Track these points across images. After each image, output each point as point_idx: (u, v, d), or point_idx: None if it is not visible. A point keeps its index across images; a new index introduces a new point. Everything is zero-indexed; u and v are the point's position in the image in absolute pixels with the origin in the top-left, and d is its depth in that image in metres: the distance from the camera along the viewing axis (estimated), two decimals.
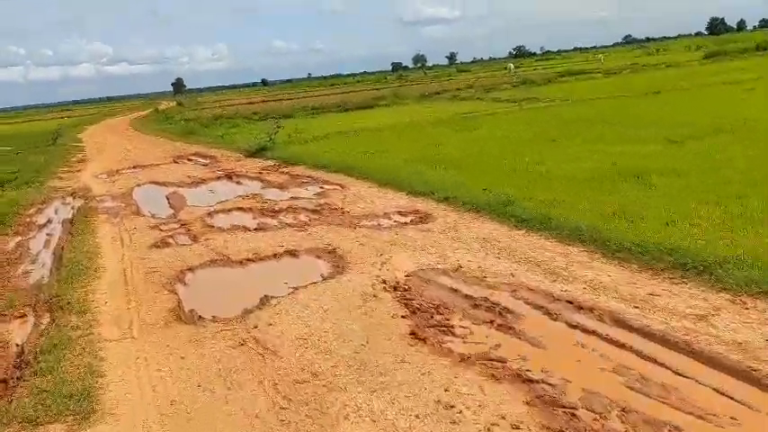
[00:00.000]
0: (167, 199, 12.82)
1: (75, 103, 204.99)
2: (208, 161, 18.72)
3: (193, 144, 24.16)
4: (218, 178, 14.95)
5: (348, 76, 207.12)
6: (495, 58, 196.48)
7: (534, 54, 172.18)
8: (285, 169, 15.05)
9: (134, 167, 18.63)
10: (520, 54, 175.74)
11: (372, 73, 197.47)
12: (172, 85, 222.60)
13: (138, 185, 15.00)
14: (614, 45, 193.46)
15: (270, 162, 16.65)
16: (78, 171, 18.61)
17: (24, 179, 16.61)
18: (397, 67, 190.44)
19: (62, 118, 77.09)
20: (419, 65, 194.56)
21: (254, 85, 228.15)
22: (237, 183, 14.05)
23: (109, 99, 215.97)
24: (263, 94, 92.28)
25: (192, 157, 20.08)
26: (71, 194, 14.32)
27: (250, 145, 19.73)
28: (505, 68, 70.74)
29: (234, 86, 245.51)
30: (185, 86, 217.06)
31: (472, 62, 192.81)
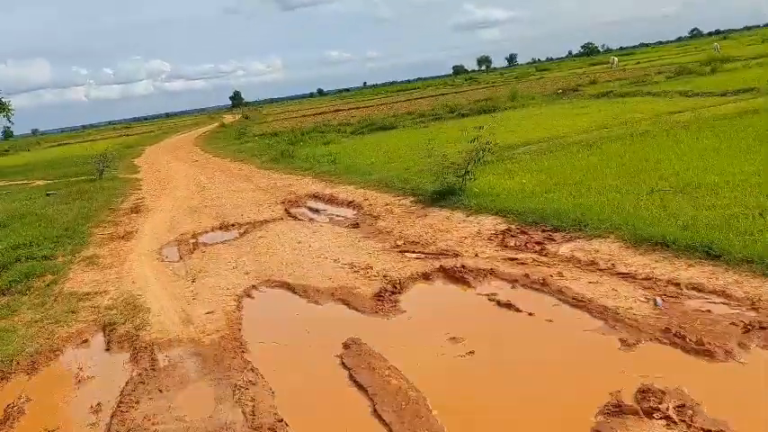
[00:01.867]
0: (344, 365, 4.63)
1: (135, 120, 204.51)
2: (352, 214, 10.47)
3: (292, 173, 16.14)
4: (427, 278, 6.57)
5: (404, 82, 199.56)
6: (552, 59, 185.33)
7: (599, 52, 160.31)
8: (540, 242, 6.65)
9: (223, 228, 10.57)
10: (590, 51, 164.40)
11: (429, 78, 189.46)
12: (230, 98, 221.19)
13: (249, 294, 6.83)
14: (679, 39, 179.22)
15: (489, 221, 8.27)
16: (126, 239, 10.59)
17: (24, 269, 8.65)
18: (459, 70, 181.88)
19: (120, 136, 71.77)
20: (483, 67, 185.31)
21: (311, 95, 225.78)
22: (496, 303, 5.62)
23: (167, 115, 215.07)
24: (327, 103, 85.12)
25: (313, 203, 11.92)
26: (103, 328, 6.21)
27: (414, 181, 11.47)
28: (609, 63, 62.50)
29: (290, 98, 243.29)
30: (243, 99, 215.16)
31: (533, 63, 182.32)
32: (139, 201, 14.90)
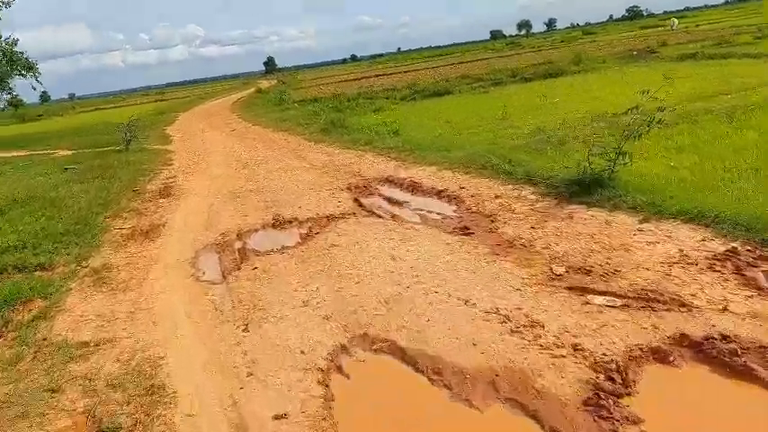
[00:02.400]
0: None
1: (170, 85, 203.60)
2: (452, 211, 7.63)
3: (350, 147, 13.48)
4: (664, 358, 3.70)
5: (439, 47, 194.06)
6: (591, 23, 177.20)
7: (643, 15, 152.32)
8: None
9: (277, 225, 7.87)
10: (635, 15, 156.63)
11: (464, 44, 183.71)
12: (264, 64, 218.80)
13: (341, 368, 4.11)
14: (726, 3, 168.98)
15: (684, 233, 5.37)
16: (151, 238, 7.97)
17: (6, 288, 6.06)
18: (497, 35, 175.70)
19: (155, 101, 69.74)
20: (523, 31, 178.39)
21: (344, 61, 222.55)
22: None
23: (203, 81, 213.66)
24: (363, 69, 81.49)
25: (389, 191, 9.12)
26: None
27: (522, 162, 8.66)
28: (670, 26, 58.62)
29: (323, 63, 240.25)
30: (276, 65, 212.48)
31: (573, 27, 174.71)
32: (170, 180, 12.29)
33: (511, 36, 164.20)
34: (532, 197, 7.63)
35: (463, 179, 9.13)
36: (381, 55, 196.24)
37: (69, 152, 20.16)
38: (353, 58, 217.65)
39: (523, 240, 6.13)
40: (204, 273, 6.41)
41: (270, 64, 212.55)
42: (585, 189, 7.29)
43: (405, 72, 46.87)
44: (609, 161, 7.32)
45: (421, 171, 10.05)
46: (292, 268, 6.12)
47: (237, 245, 7.24)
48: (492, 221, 6.94)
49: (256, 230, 7.80)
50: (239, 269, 6.31)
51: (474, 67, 39.59)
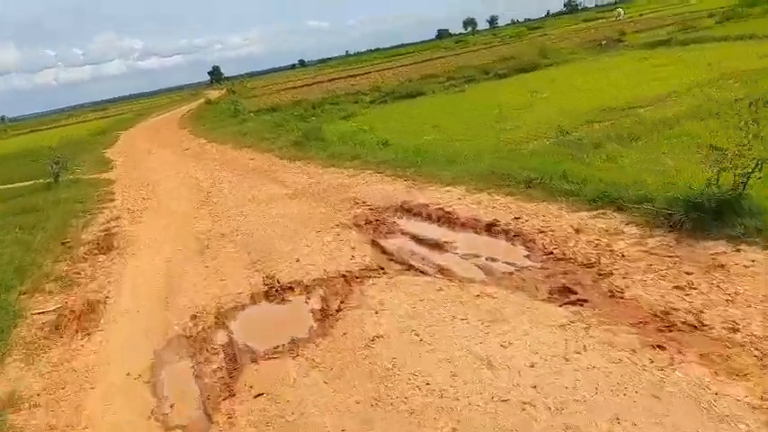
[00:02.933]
0: None
1: (109, 101, 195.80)
2: (522, 255, 5.30)
3: (335, 164, 11.21)
4: None
5: (388, 48, 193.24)
6: (531, 19, 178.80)
7: (579, 9, 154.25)
8: None
9: (273, 296, 5.42)
10: (572, 9, 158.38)
11: (413, 44, 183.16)
12: (209, 73, 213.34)
13: None
14: None
15: None
16: (85, 328, 5.40)
17: None
18: (443, 34, 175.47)
19: (96, 119, 65.50)
20: (469, 29, 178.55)
21: (293, 66, 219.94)
22: None
23: (145, 95, 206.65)
24: (313, 74, 78.74)
25: (414, 225, 6.77)
26: None
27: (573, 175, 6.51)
28: (616, 17, 59.17)
29: (272, 70, 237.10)
30: (223, 74, 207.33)
31: (515, 24, 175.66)
32: (112, 224, 9.60)
33: (459, 34, 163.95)
34: (633, 231, 5.40)
35: (508, 203, 6.86)
36: (330, 59, 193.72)
37: None
38: (302, 63, 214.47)
39: (681, 314, 3.87)
40: (172, 407, 3.92)
41: (215, 73, 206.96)
42: (712, 216, 5.10)
43: (363, 74, 44.56)
44: (740, 175, 5.14)
45: (443, 193, 7.76)
46: (324, 396, 3.69)
47: (220, 338, 4.77)
48: (599, 275, 4.67)
49: (243, 307, 5.33)
50: (233, 397, 3.85)
51: (435, 65, 37.59)
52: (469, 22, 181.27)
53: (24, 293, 6.46)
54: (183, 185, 12.16)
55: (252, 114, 26.18)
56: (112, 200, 11.80)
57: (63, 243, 8.65)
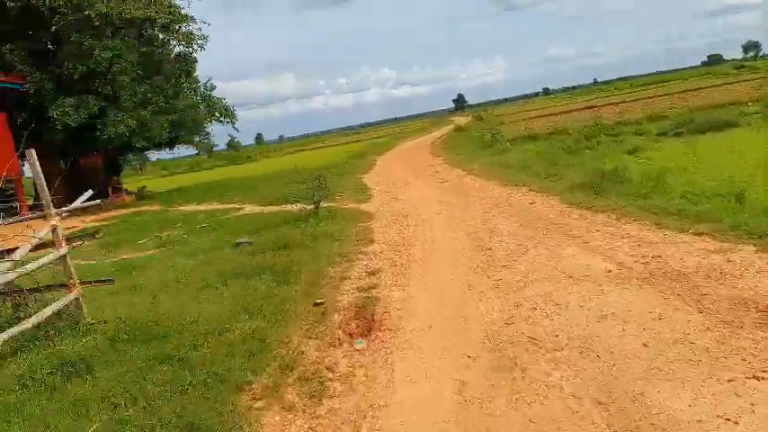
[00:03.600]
0: None
1: (365, 125, 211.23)
2: None
3: (667, 224, 7.98)
4: None
5: (641, 76, 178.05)
6: None
7: None
8: None
9: None
10: None
11: (670, 71, 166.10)
12: (453, 101, 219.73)
13: None
14: None
15: None
16: None
17: None
18: (715, 60, 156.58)
19: (350, 143, 69.42)
20: (750, 54, 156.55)
21: (536, 94, 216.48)
22: None
23: (395, 120, 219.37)
24: (559, 101, 74.20)
25: None
26: None
27: None
28: None
29: (514, 98, 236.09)
30: (466, 102, 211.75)
31: None
32: (372, 279, 7.69)
33: (737, 60, 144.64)
34: None
35: None
36: (576, 87, 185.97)
37: (256, 209, 16.99)
38: (545, 91, 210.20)
39: None
40: None
41: (460, 101, 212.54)
42: None
43: (619, 103, 39.79)
44: None
45: None
46: None
47: None
48: None
49: None
50: None
51: (730, 91, 31.61)
52: (751, 47, 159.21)
53: (257, 399, 4.55)
54: (450, 231, 9.98)
55: (508, 144, 23.82)
56: (372, 241, 10.05)
57: (316, 304, 6.87)
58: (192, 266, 9.58)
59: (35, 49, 21.32)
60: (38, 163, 6.63)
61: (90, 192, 7.44)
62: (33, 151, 6.58)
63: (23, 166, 29.07)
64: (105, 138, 21.11)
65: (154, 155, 31.01)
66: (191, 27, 24.30)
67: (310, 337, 5.93)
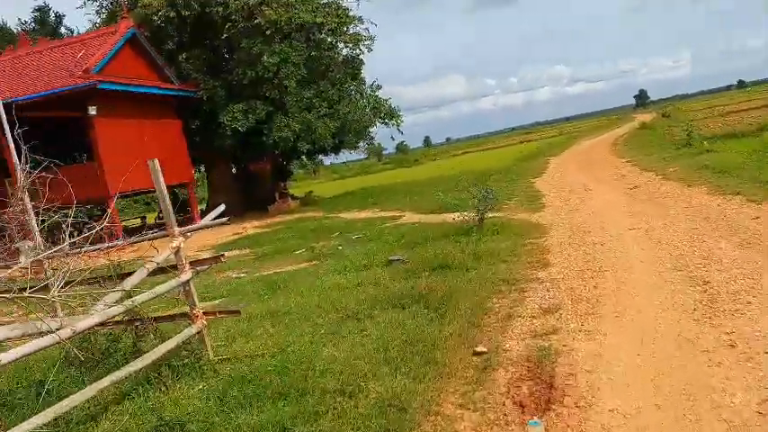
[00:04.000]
0: None
1: (536, 124, 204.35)
2: None
3: None
4: None
5: None
6: None
7: None
8: None
9: None
10: None
11: None
12: (634, 97, 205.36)
13: None
14: None
15: None
16: None
17: None
18: None
19: (521, 143, 66.59)
20: None
21: (728, 88, 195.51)
22: None
23: (569, 118, 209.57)
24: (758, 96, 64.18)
25: None
26: None
27: None
28: None
29: (700, 93, 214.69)
30: (648, 97, 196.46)
31: None
32: (548, 321, 5.96)
33: None
34: None
35: None
36: None
37: (416, 217, 15.83)
38: (741, 83, 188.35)
39: None
40: None
41: (641, 96, 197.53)
42: None
43: None
44: None
45: None
46: None
47: None
48: None
49: None
50: None
51: None
52: None
53: None
54: (649, 253, 7.87)
55: (706, 143, 20.25)
56: (546, 263, 8.25)
57: (476, 353, 5.33)
58: (339, 285, 8.51)
59: (209, 57, 22.16)
60: (161, 174, 5.85)
61: (222, 207, 6.59)
62: (156, 161, 5.83)
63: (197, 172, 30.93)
64: (271, 142, 21.33)
65: (326, 159, 31.41)
66: (358, 28, 23.95)
67: (467, 407, 4.41)
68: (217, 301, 9.30)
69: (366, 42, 23.65)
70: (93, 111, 17.16)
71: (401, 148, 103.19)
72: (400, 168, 58.33)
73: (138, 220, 27.87)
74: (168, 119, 21.16)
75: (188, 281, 5.85)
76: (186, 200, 22.66)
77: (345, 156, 29.63)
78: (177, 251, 5.83)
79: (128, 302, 4.99)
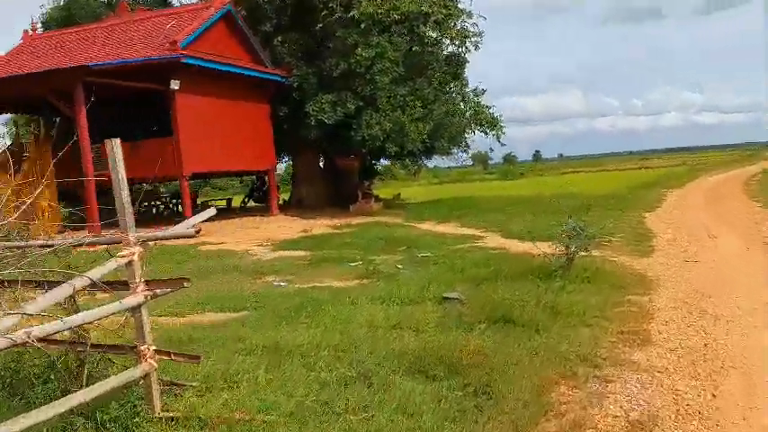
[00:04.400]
0: None
1: (653, 151, 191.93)
2: None
3: None
4: None
5: None
6: None
7: None
8: None
9: None
10: None
11: None
12: None
13: None
14: None
15: None
16: None
17: None
18: None
19: (638, 168, 61.85)
20: None
21: None
22: None
23: (692, 149, 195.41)
24: None
25: None
26: None
27: None
28: None
29: None
30: None
31: None
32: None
33: None
34: None
35: None
36: None
37: (498, 240, 13.82)
38: None
39: None
40: None
41: None
42: None
43: None
44: None
45: None
46: None
47: None
48: None
49: None
50: None
51: None
52: None
53: None
54: None
55: None
56: (646, 340, 6.11)
57: None
58: (373, 322, 6.80)
59: (306, 43, 21.03)
60: (120, 161, 4.38)
61: (212, 211, 5.08)
62: (117, 142, 4.38)
63: (281, 162, 30.13)
64: (359, 139, 19.90)
65: (429, 162, 29.57)
66: (466, 23, 22.02)
67: None
68: (236, 315, 7.88)
69: (473, 39, 21.68)
70: (175, 85, 16.44)
71: (508, 159, 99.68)
72: (503, 180, 55.65)
73: (224, 202, 27.49)
74: (255, 102, 20.27)
75: (139, 306, 4.35)
76: (268, 189, 21.81)
77: (447, 161, 27.64)
78: (130, 264, 4.34)
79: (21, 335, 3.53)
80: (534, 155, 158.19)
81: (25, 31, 20.01)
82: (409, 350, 5.65)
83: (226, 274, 10.74)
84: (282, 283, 9.76)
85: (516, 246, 12.42)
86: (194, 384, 4.93)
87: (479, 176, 66.94)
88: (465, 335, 6.05)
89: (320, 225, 17.94)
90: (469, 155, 29.16)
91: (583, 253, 9.36)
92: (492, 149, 29.56)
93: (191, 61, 16.58)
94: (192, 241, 15.53)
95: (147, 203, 23.47)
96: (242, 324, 7.19)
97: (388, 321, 6.81)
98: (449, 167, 64.39)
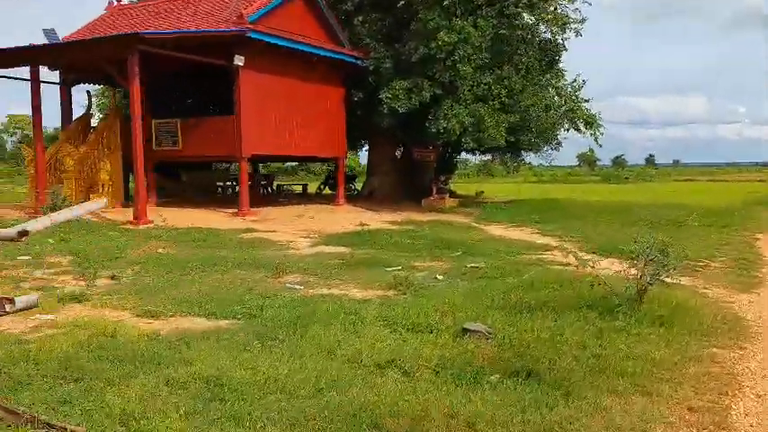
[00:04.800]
0: None
1: None
2: None
3: None
4: None
5: None
6: None
7: None
8: None
9: None
10: None
11: None
12: None
13: None
14: None
15: None
16: None
17: None
18: None
19: (759, 180, 55.80)
20: None
21: None
22: None
23: None
24: None
25: None
26: None
27: None
28: None
29: None
30: None
31: None
32: None
33: None
34: None
35: None
36: None
37: (570, 256, 11.86)
38: None
39: None
40: None
41: None
42: None
43: None
44: None
45: None
46: None
47: None
48: None
49: None
50: None
51: None
52: None
53: None
54: None
55: None
56: (720, 426, 4.31)
57: None
58: (359, 358, 5.40)
59: (388, 23, 19.65)
60: None
61: (104, 202, 3.90)
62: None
63: (360, 150, 29.08)
64: (434, 131, 18.33)
65: (533, 159, 27.49)
66: (567, 8, 19.81)
67: None
68: (223, 322, 6.72)
69: (573, 26, 19.44)
70: (239, 61, 15.61)
71: (618, 161, 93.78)
72: (605, 184, 51.95)
73: (300, 188, 26.86)
74: (329, 85, 19.17)
75: None
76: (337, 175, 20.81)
77: (537, 158, 25.58)
78: None
79: None
80: (648, 159, 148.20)
81: (110, 2, 20.00)
82: (381, 409, 4.21)
83: (244, 269, 9.66)
84: (297, 287, 8.52)
85: (591, 262, 10.48)
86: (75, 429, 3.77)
87: (580, 178, 63.00)
88: (470, 392, 4.53)
89: (380, 219, 16.64)
90: (585, 156, 26.62)
91: (666, 279, 7.44)
92: (591, 150, 26.97)
93: (256, 36, 15.69)
94: (238, 226, 14.75)
95: (221, 183, 23.23)
96: (217, 339, 6.01)
97: (379, 356, 5.37)
98: (548, 166, 61.12)
